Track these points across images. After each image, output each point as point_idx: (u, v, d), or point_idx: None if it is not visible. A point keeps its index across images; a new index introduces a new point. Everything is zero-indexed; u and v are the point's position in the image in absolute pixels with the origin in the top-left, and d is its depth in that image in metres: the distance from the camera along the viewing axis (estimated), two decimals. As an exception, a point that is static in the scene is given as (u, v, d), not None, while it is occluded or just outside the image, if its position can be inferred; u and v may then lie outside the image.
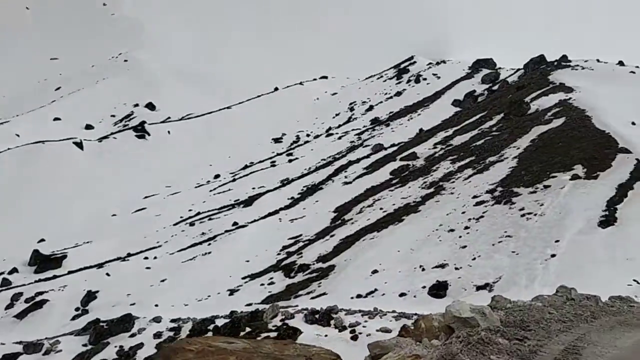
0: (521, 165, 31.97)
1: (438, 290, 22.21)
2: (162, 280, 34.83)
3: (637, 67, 53.47)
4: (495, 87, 64.61)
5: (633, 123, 33.73)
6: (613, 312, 9.59)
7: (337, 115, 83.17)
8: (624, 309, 9.94)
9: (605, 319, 9.14)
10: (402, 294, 22.76)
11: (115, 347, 24.94)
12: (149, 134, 79.47)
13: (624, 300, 10.71)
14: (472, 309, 8.38)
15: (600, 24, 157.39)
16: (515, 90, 54.17)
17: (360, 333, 18.41)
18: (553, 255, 21.36)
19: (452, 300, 21.85)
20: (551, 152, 31.80)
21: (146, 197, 62.22)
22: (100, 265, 40.25)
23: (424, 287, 22.69)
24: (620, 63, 56.60)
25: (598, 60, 58.15)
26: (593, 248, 21.26)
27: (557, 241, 22.23)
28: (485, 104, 56.70)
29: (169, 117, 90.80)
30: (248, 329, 20.75)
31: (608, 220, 22.85)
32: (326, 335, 19.01)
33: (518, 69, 68.25)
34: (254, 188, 55.96)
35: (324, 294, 25.38)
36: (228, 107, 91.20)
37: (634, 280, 18.46)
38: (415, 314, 19.78)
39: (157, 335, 24.85)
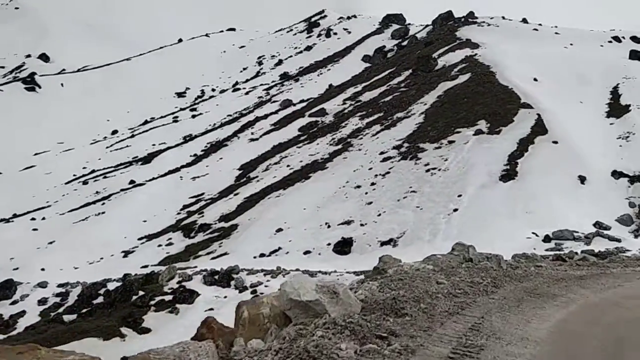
0: (427, 121, 32.10)
1: (343, 247, 22.19)
2: (50, 243, 32.34)
3: (540, 24, 55.03)
4: (405, 43, 64.77)
5: (535, 79, 34.56)
6: (519, 277, 7.93)
7: (244, 69, 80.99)
8: (531, 271, 8.47)
9: (510, 287, 7.30)
10: (306, 252, 22.59)
11: (-6, 315, 22.78)
12: (39, 87, 74.06)
13: (530, 259, 9.40)
14: (319, 287, 5.59)
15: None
16: (423, 46, 54.33)
17: (261, 293, 17.66)
18: (455, 210, 21.60)
19: (357, 256, 21.62)
20: (456, 108, 32.09)
21: (36, 154, 58.08)
22: (-20, 228, 36.90)
23: (329, 244, 22.57)
24: (524, 20, 58.13)
25: (503, 18, 59.42)
26: (494, 202, 21.58)
27: (459, 196, 22.51)
28: (394, 59, 56.69)
29: (64, 69, 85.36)
30: (141, 293, 19.71)
31: (509, 174, 23.30)
32: (225, 297, 18.41)
33: (427, 25, 68.68)
34: (154, 144, 53.47)
35: (225, 254, 24.60)
36: (127, 59, 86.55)
37: (533, 233, 18.71)
38: (319, 272, 19.24)
39: (42, 301, 23.02)
